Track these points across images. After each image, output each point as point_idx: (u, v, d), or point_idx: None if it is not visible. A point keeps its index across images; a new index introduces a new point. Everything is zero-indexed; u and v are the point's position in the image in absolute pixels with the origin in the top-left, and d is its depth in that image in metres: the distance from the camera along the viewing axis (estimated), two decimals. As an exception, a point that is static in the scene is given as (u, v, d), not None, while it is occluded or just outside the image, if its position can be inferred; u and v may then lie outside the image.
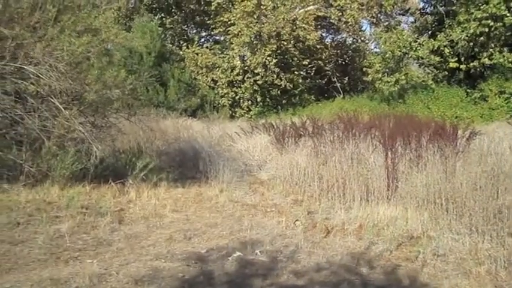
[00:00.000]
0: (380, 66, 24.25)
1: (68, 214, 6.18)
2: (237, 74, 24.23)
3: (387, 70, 24.17)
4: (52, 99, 7.23)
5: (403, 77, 23.70)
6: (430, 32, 25.62)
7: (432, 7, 26.28)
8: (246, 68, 24.16)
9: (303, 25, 24.08)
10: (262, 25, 23.25)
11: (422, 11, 27.02)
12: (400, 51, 23.55)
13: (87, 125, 7.87)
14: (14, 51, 6.59)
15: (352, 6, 24.29)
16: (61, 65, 6.70)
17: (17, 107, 7.16)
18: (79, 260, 4.88)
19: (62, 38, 6.73)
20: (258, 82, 23.92)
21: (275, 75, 23.98)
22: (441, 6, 24.83)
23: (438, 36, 23.50)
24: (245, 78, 24.31)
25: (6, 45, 6.48)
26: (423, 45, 23.65)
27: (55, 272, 4.46)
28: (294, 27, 24.05)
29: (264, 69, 23.63)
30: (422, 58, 24.06)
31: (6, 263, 4.68)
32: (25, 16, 6.60)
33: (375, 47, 28.06)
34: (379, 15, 26.50)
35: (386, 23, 26.38)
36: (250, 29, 23.02)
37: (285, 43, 23.92)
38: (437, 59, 23.56)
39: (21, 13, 6.55)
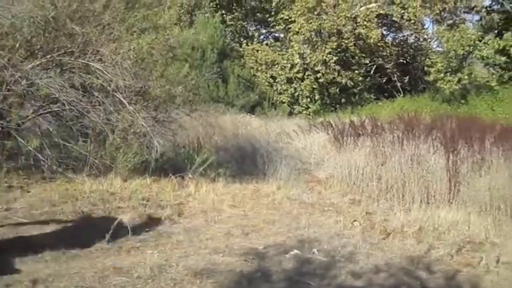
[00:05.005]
0: (442, 66, 23.61)
1: (130, 205, 6.37)
2: (297, 72, 24.18)
3: (450, 69, 23.52)
4: (117, 94, 7.43)
5: (465, 77, 23.00)
6: (496, 31, 24.78)
7: (499, 5, 25.41)
8: (305, 65, 24.07)
9: (365, 23, 23.77)
10: (323, 21, 23.10)
11: (488, 9, 26.14)
12: (463, 49, 22.87)
13: (150, 119, 8.04)
14: (83, 48, 6.81)
15: (415, 5, 23.78)
16: (126, 63, 6.88)
17: (83, 100, 7.40)
18: (140, 250, 5.01)
19: (128, 36, 6.91)
20: (319, 80, 23.79)
21: (336, 73, 23.78)
22: (509, 4, 23.97)
23: (505, 35, 22.71)
24: (305, 76, 24.23)
25: (76, 42, 6.71)
26: (488, 45, 22.92)
27: (118, 261, 4.61)
28: (355, 25, 23.80)
29: (324, 67, 23.48)
30: (487, 58, 23.30)
31: (72, 250, 4.86)
32: (96, 15, 6.82)
33: (438, 46, 27.33)
34: (442, 13, 25.80)
35: (450, 21, 25.66)
36: (310, 25, 22.93)
37: (346, 41, 23.69)
38: (503, 59, 22.76)
39: (93, 12, 6.77)
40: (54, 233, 5.24)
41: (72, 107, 7.28)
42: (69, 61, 6.77)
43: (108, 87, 7.18)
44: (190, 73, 8.31)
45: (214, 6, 26.11)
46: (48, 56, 6.74)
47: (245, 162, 10.05)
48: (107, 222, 5.60)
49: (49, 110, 7.23)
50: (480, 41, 23.33)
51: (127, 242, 5.19)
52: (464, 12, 26.53)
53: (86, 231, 5.38)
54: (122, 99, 7.36)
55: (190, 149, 9.32)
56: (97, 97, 7.49)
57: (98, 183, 7.20)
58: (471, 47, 23.08)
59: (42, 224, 5.54)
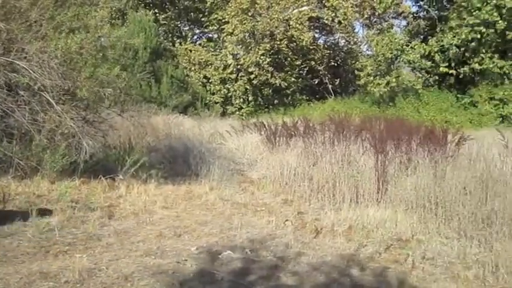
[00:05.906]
0: (372, 69, 24.33)
1: (58, 208, 6.17)
2: (231, 72, 24.26)
3: (379, 72, 24.28)
4: (43, 94, 7.20)
5: (393, 80, 23.81)
6: (422, 37, 25.79)
7: (425, 12, 26.47)
8: (239, 66, 24.18)
9: (297, 25, 24.15)
10: (256, 23, 23.29)
11: (415, 15, 27.17)
12: (391, 53, 23.68)
13: (79, 120, 7.84)
14: (8, 45, 6.57)
15: (346, 5, 24.41)
16: (53, 62, 6.67)
17: (7, 99, 7.12)
18: (68, 254, 4.86)
19: (56, 35, 6.71)
20: (252, 81, 23.96)
21: (269, 74, 24.03)
22: (434, 11, 25.01)
23: (430, 41, 23.67)
24: (238, 77, 24.34)
25: (0, 39, 6.46)
26: (415, 49, 23.82)
27: (44, 266, 4.45)
28: (288, 27, 24.15)
29: (257, 68, 23.67)
30: (413, 62, 24.22)
31: (-5, 256, 4.66)
32: (23, 12, 6.58)
33: (367, 50, 28.18)
34: (371, 17, 26.64)
35: (379, 25, 26.51)
36: (244, 26, 23.06)
37: (279, 43, 23.99)
38: (429, 63, 23.73)
39: (20, 9, 6.53)
40: (-24, 238, 5.01)
41: (-4, 106, 6.99)
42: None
43: (35, 87, 6.95)
44: (121, 74, 8.14)
45: (147, 4, 25.81)
46: (-31, 53, 6.45)
47: (178, 163, 9.97)
48: (34, 226, 5.42)
49: (-29, 109, 6.91)
50: (407, 45, 24.21)
51: (54, 246, 5.03)
52: (393, 17, 27.54)
53: (11, 236, 5.17)
54: (50, 98, 7.14)
55: (121, 149, 9.13)
56: (23, 96, 7.24)
57: (24, 186, 6.94)
58: (399, 51, 23.94)
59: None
